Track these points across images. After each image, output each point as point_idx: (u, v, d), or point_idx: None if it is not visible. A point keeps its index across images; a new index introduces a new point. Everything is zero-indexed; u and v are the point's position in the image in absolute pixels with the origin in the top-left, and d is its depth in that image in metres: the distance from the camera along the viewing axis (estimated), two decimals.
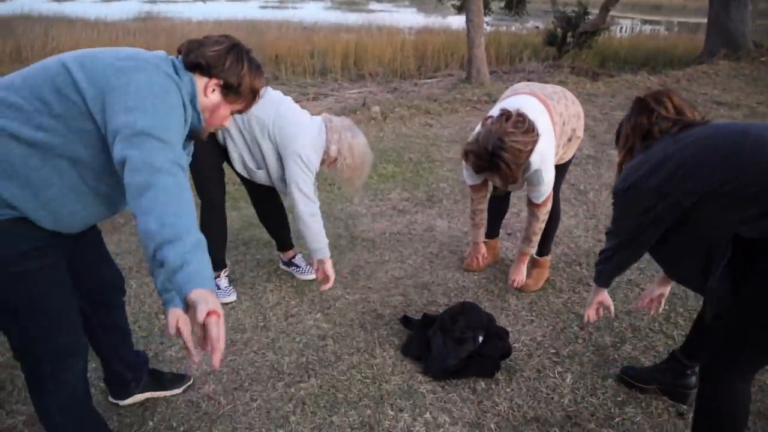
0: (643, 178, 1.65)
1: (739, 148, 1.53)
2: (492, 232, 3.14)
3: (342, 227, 3.62)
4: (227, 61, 1.50)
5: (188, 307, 1.17)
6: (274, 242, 3.14)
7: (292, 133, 2.49)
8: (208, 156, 2.58)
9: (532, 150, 2.34)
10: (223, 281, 2.87)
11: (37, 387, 1.58)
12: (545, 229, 2.94)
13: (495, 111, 2.48)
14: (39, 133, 1.33)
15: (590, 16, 12.23)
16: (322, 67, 10.18)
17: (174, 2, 29.28)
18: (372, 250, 3.33)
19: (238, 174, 2.74)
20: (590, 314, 2.15)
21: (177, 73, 1.45)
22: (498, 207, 3.10)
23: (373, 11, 26.96)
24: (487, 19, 13.74)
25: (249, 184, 2.85)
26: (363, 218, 3.76)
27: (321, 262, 2.66)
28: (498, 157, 2.27)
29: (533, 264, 2.99)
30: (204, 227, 2.78)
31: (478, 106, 6.68)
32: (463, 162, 2.52)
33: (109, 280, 1.82)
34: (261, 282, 2.99)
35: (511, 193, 3.09)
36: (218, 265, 2.85)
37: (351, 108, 6.66)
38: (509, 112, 2.37)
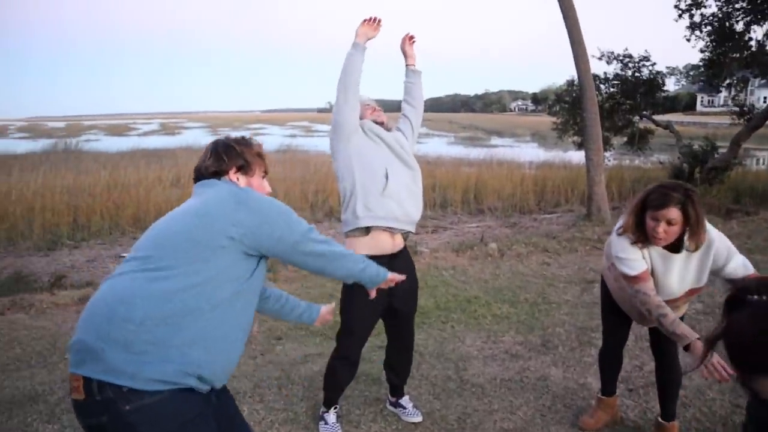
0: None
1: None
2: (610, 389, 2.92)
3: (452, 369, 3.55)
4: (222, 154, 1.79)
5: None
6: (382, 379, 3.14)
7: None
8: (367, 317, 2.69)
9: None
10: (332, 417, 2.87)
11: None
12: (668, 390, 2.70)
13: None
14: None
15: (719, 151, 11.76)
16: (443, 200, 10.53)
17: (311, 136, 32.43)
18: (481, 397, 3.21)
19: (386, 317, 2.81)
20: None
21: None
22: (614, 360, 2.89)
23: (494, 146, 27.90)
24: (607, 153, 13.72)
25: (392, 328, 2.88)
26: (474, 361, 3.67)
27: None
28: (690, 190, 2.17)
29: (658, 429, 2.71)
30: (331, 372, 2.80)
31: (598, 246, 6.48)
32: (622, 247, 2.29)
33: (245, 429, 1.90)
34: (366, 421, 2.97)
35: (623, 348, 2.87)
36: (331, 402, 2.89)
37: (468, 243, 6.75)
38: None
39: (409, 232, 2.66)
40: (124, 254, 7.16)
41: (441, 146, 28.07)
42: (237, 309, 1.63)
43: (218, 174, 1.77)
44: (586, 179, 8.39)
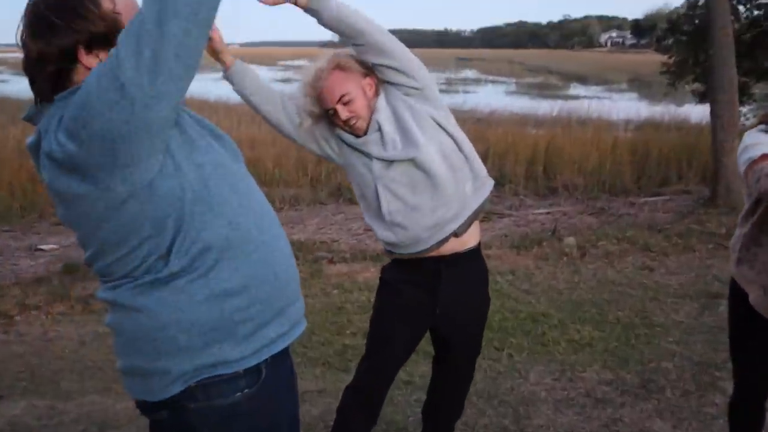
0: None
1: None
2: None
3: (509, 417, 3.56)
4: (51, 43, 1.51)
5: None
6: (410, 430, 3.15)
7: None
8: (397, 338, 2.65)
9: None
10: None
11: None
12: None
13: None
14: None
15: None
16: (499, 176, 10.36)
17: None
18: None
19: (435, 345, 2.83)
20: None
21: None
22: (754, 413, 2.82)
23: (574, 98, 27.67)
24: (745, 108, 13.50)
25: (441, 363, 2.86)
26: (541, 405, 3.67)
27: None
28: None
29: None
30: (342, 413, 2.74)
31: (725, 243, 6.38)
32: (752, 137, 2.46)
33: None
34: None
35: None
36: None
37: (534, 237, 6.76)
38: None
39: (456, 231, 2.51)
40: (42, 247, 7.28)
41: (497, 97, 28.01)
42: (218, 195, 1.58)
43: (70, 70, 1.55)
44: (711, 145, 8.29)
